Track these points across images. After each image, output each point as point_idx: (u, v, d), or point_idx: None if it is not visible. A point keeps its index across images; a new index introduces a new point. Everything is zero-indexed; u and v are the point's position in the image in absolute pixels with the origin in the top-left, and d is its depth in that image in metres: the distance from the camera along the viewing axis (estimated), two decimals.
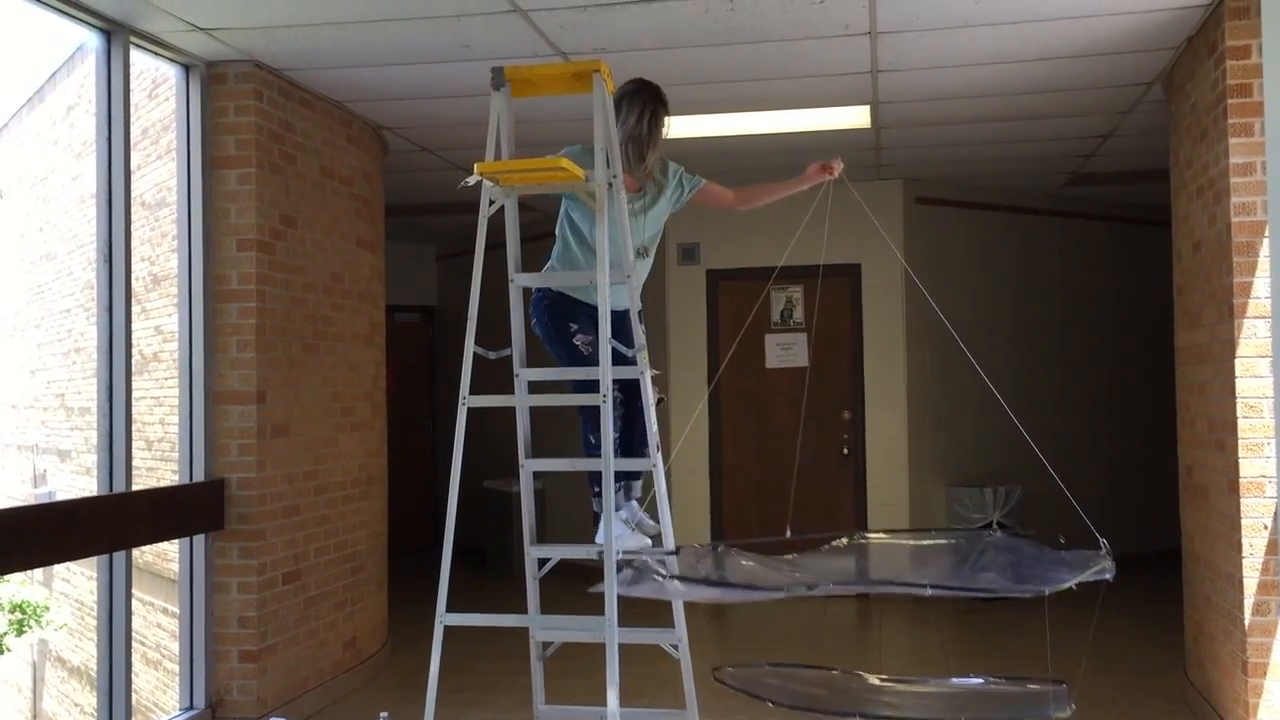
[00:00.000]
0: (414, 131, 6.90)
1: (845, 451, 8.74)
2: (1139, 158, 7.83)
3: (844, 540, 4.00)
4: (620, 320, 4.10)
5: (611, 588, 3.74)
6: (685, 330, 8.85)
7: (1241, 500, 4.74)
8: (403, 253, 10.77)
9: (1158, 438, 7.90)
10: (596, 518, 4.35)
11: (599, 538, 4.28)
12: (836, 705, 4.05)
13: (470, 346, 3.98)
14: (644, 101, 4.16)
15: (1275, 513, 4.70)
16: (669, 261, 8.86)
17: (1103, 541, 3.42)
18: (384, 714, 4.62)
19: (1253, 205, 4.77)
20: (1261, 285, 4.75)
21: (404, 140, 7.08)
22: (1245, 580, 4.71)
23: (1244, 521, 4.73)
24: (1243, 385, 4.77)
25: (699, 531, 8.53)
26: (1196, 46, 5.25)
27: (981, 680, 4.73)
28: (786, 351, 8.77)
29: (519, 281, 4.15)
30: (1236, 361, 4.78)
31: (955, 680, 4.68)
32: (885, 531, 4.16)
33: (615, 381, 4.04)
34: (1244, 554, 4.72)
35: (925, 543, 4.20)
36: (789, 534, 4.10)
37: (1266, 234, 4.74)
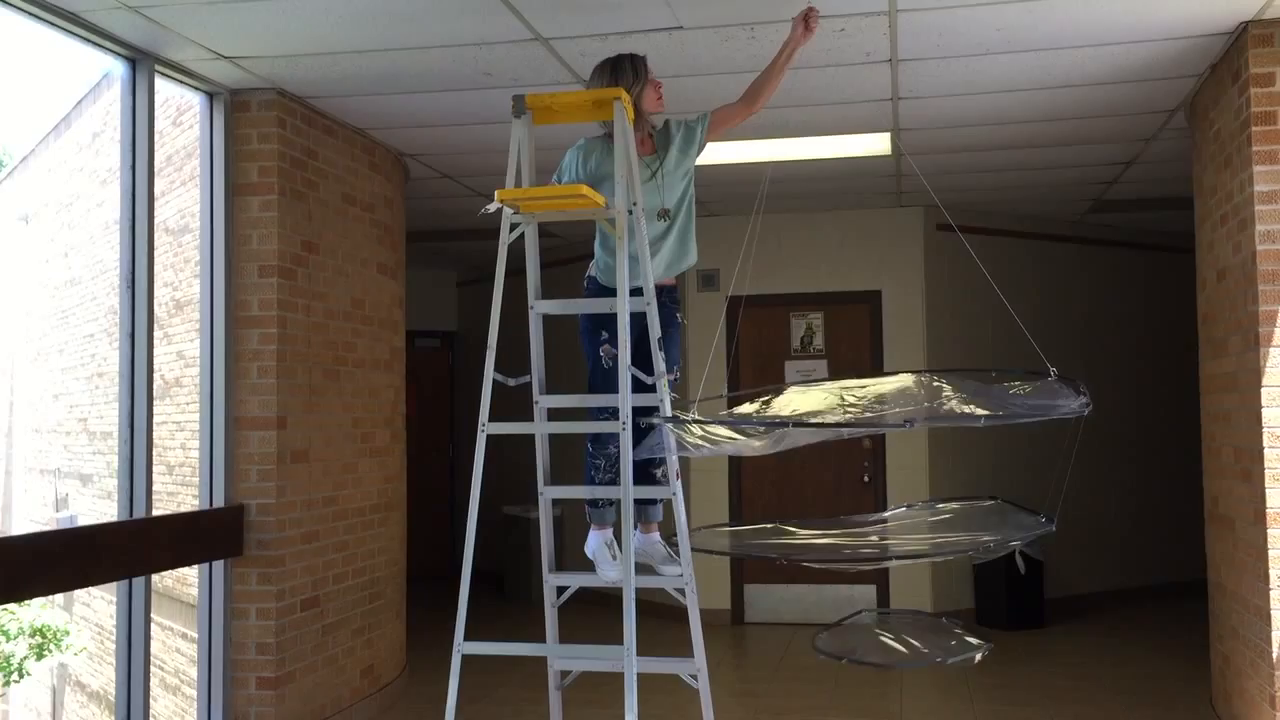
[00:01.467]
0: (435, 158, 6.93)
1: (866, 479, 8.68)
2: (1162, 184, 7.80)
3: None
4: (645, 338, 4.07)
5: (631, 622, 3.70)
6: (706, 357, 8.82)
7: (1269, 531, 4.68)
8: (423, 278, 10.80)
9: (1183, 467, 7.83)
10: (587, 528, 4.35)
11: (587, 548, 4.27)
12: (834, 555, 3.97)
13: (490, 373, 3.97)
14: (629, 59, 4.13)
15: None
16: (689, 288, 8.86)
17: (1052, 369, 3.36)
18: None
19: (1278, 233, 4.73)
20: None
21: (425, 167, 7.11)
22: (1273, 612, 4.65)
23: (1271, 553, 4.67)
24: (1269, 415, 4.72)
25: (719, 561, 8.48)
26: (1220, 74, 5.22)
27: (905, 507, 4.64)
28: (807, 378, 8.74)
29: (539, 309, 4.14)
30: (1262, 391, 4.73)
31: (889, 512, 4.53)
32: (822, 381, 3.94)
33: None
34: (1271, 586, 4.66)
35: (895, 386, 3.91)
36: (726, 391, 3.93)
37: None
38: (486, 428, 3.97)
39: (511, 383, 4.03)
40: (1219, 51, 5.10)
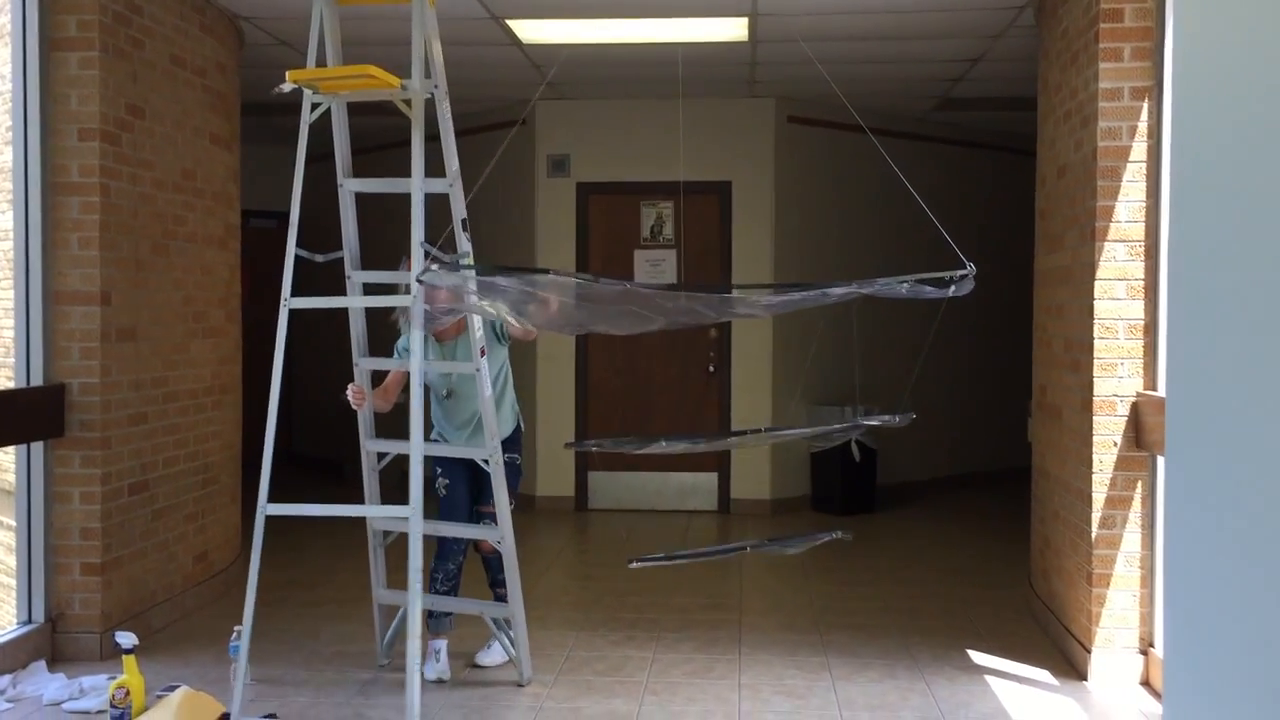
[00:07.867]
0: (271, 23, 6.54)
1: (711, 369, 8.77)
2: (1006, 83, 7.94)
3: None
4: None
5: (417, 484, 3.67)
6: (554, 243, 8.72)
7: (1094, 418, 4.89)
8: (260, 156, 10.29)
9: (1015, 360, 8.13)
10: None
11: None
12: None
13: (292, 248, 4.10)
14: None
15: (1136, 430, 4.87)
16: (538, 174, 8.69)
17: (970, 265, 3.69)
18: (238, 628, 4.49)
19: (1119, 130, 4.86)
20: (1123, 210, 4.85)
21: (261, 32, 6.71)
22: (1094, 495, 4.88)
23: (1095, 439, 4.89)
24: (1101, 307, 4.90)
25: (564, 451, 8.49)
26: None
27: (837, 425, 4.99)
28: (655, 268, 8.72)
29: (348, 186, 4.25)
30: (1096, 284, 4.90)
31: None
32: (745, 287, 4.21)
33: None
34: (1094, 470, 4.88)
35: (793, 296, 4.09)
36: (631, 284, 4.08)
37: (1130, 158, 4.84)
38: (289, 302, 4.05)
39: (320, 259, 4.13)
40: None
